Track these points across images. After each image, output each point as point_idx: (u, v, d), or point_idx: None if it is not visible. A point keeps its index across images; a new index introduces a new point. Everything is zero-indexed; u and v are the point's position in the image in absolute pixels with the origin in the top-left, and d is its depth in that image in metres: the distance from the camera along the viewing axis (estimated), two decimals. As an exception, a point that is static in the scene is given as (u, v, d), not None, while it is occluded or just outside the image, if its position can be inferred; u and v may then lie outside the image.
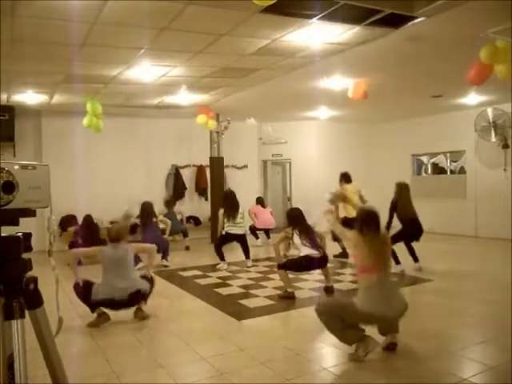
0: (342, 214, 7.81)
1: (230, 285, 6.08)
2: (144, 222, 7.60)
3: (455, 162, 11.47)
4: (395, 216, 6.64)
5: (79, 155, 9.30)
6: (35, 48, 5.33)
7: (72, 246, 7.50)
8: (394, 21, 4.62)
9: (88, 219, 8.05)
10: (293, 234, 5.48)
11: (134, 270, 4.73)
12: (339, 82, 7.34)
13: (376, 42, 5.27)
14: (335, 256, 7.76)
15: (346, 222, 7.78)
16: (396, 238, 6.24)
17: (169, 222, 8.28)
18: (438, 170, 11.99)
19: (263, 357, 3.47)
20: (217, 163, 10.58)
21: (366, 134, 12.20)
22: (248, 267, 7.20)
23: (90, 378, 3.17)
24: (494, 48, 4.70)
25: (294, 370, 3.24)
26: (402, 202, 6.67)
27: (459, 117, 10.32)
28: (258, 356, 3.49)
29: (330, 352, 3.70)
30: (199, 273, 6.91)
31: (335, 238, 7.83)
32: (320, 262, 5.41)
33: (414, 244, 6.59)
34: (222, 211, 7.47)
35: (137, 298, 4.54)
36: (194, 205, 11.05)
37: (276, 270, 5.57)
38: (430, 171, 12.12)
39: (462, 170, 11.09)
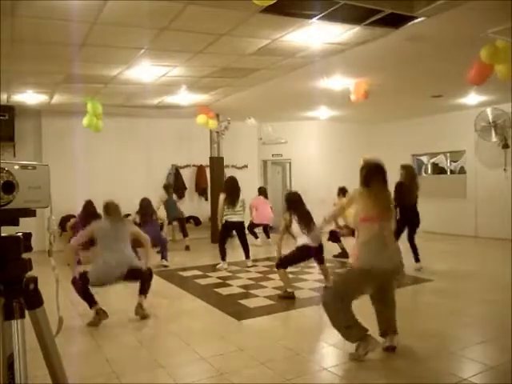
0: (341, 223, 7.84)
1: (230, 285, 6.08)
2: (143, 220, 7.56)
3: (455, 162, 11.48)
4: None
5: (79, 155, 9.30)
6: (35, 48, 5.33)
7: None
8: (394, 21, 4.62)
9: (88, 205, 7.86)
10: (291, 221, 5.38)
11: (129, 248, 4.71)
12: (339, 82, 7.34)
13: (376, 42, 5.27)
14: (335, 256, 7.76)
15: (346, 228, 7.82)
16: (398, 231, 6.22)
17: (164, 217, 8.27)
18: (438, 170, 12.00)
19: (263, 357, 3.47)
20: (217, 163, 10.58)
21: (365, 134, 12.20)
22: (248, 267, 7.20)
23: (90, 378, 3.17)
24: (494, 48, 4.70)
25: (294, 370, 3.24)
26: (406, 185, 6.49)
27: (459, 117, 10.32)
28: (258, 356, 3.49)
29: (330, 352, 3.70)
30: (199, 273, 6.91)
31: (331, 239, 7.85)
32: (316, 252, 5.35)
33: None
34: (223, 197, 7.28)
35: (135, 274, 4.56)
36: (193, 205, 11.04)
37: (276, 270, 5.55)
38: (430, 171, 12.12)
39: (462, 170, 11.09)
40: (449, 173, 11.55)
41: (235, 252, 7.78)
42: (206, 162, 10.90)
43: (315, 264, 5.83)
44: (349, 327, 3.36)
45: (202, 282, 6.33)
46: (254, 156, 12.07)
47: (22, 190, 1.23)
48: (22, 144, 9.18)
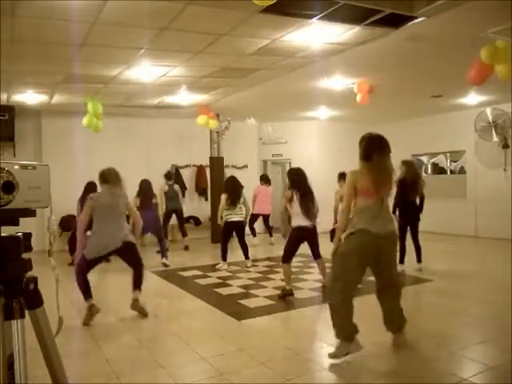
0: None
1: (230, 285, 6.08)
2: (143, 203, 7.42)
3: (455, 162, 11.48)
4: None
5: (79, 155, 9.29)
6: (35, 48, 5.33)
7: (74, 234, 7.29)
8: (394, 21, 4.62)
9: (91, 186, 7.60)
10: (292, 199, 5.27)
11: (125, 221, 4.73)
12: (339, 82, 7.34)
13: (376, 41, 5.27)
14: (335, 256, 7.75)
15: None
16: (401, 230, 6.21)
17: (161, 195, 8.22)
18: (438, 170, 12.00)
19: (263, 357, 3.47)
20: (217, 163, 10.59)
21: (366, 134, 12.18)
22: (248, 267, 7.20)
23: (90, 378, 3.17)
24: (494, 48, 4.70)
25: (294, 370, 3.24)
26: (408, 182, 6.38)
27: (459, 117, 10.32)
28: (258, 356, 3.49)
29: (330, 352, 3.70)
30: (199, 273, 6.91)
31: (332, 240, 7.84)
32: (310, 233, 5.31)
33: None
34: (224, 196, 7.25)
35: (129, 250, 4.59)
36: (193, 205, 11.04)
37: (280, 264, 5.46)
38: (430, 171, 12.12)
39: (462, 170, 11.09)
40: (449, 173, 11.55)
41: (235, 252, 7.78)
42: (206, 161, 10.90)
43: (315, 264, 5.82)
44: (343, 325, 3.36)
45: (202, 281, 6.33)
46: (254, 156, 12.07)
47: (22, 190, 1.23)
48: (22, 144, 9.18)
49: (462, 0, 4.07)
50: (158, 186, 9.10)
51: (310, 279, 6.16)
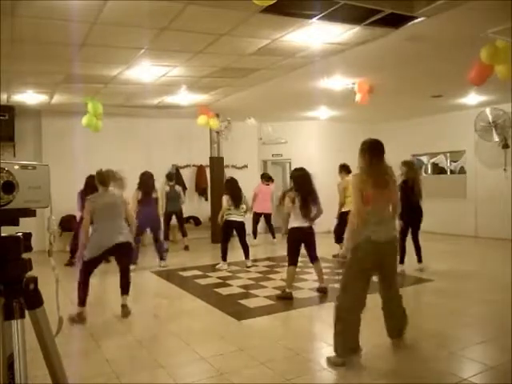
0: (347, 208, 7.81)
1: (230, 285, 6.08)
2: (144, 197, 7.29)
3: (455, 162, 11.48)
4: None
5: (79, 155, 9.28)
6: (35, 48, 5.33)
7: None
8: (394, 21, 4.62)
9: (92, 180, 7.71)
10: (294, 201, 5.21)
11: (123, 220, 4.78)
12: (339, 82, 7.34)
13: (376, 41, 5.27)
14: (334, 256, 7.76)
15: (346, 214, 7.79)
16: (402, 231, 6.20)
17: (162, 195, 8.13)
18: (438, 170, 11.99)
19: (263, 357, 3.47)
20: (217, 163, 10.59)
21: (366, 134, 12.02)
22: (248, 267, 7.20)
23: (90, 378, 3.17)
24: (494, 48, 4.70)
25: (294, 370, 3.24)
26: (410, 183, 6.33)
27: (459, 117, 10.32)
28: (258, 356, 3.49)
29: (329, 352, 3.69)
30: (199, 273, 6.91)
31: (337, 240, 7.84)
32: (308, 234, 5.30)
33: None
34: (226, 198, 7.23)
35: (125, 249, 4.67)
36: (193, 205, 11.04)
37: (281, 264, 5.46)
38: (430, 171, 12.12)
39: (462, 170, 11.09)
40: (449, 173, 11.55)
41: (235, 252, 7.78)
42: (206, 162, 10.90)
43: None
44: (348, 338, 3.34)
45: (202, 281, 6.33)
46: (254, 156, 12.06)
47: (22, 190, 1.23)
48: (22, 144, 9.17)
49: (461, 0, 4.07)
50: (158, 186, 9.10)
51: (310, 279, 6.16)
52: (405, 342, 3.63)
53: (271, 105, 9.63)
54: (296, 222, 5.26)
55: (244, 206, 7.33)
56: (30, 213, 1.28)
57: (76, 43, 5.15)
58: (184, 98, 8.29)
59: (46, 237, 1.45)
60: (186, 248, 9.13)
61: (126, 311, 4.62)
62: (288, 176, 12.41)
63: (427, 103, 9.39)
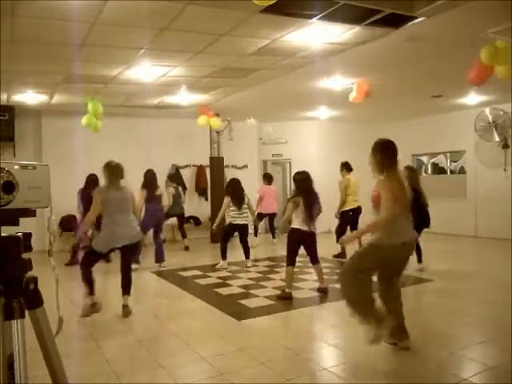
0: (348, 207, 7.82)
1: (230, 285, 6.08)
2: (149, 197, 7.22)
3: (455, 162, 11.48)
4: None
5: (79, 155, 9.27)
6: (35, 48, 5.33)
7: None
8: (394, 21, 4.62)
9: (92, 178, 7.59)
10: (298, 205, 5.22)
11: (131, 215, 4.79)
12: (339, 82, 7.34)
13: (376, 41, 5.27)
14: (334, 256, 7.76)
15: (347, 213, 7.80)
16: None
17: (169, 197, 8.15)
18: (438, 170, 11.99)
19: (263, 357, 3.47)
20: (217, 163, 10.58)
21: (365, 134, 12.13)
22: (248, 267, 7.20)
23: (90, 378, 3.17)
24: (494, 49, 4.70)
25: (294, 370, 3.24)
26: (417, 188, 6.29)
27: (459, 117, 10.32)
28: (258, 356, 3.49)
29: (330, 352, 3.70)
30: (199, 273, 6.91)
31: (338, 240, 7.84)
32: (308, 236, 5.30)
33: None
34: (227, 199, 7.24)
35: (133, 249, 4.73)
36: (194, 205, 11.04)
37: (281, 264, 5.46)
38: (430, 171, 12.12)
39: (462, 170, 11.09)
40: (449, 173, 11.55)
41: (235, 252, 7.78)
42: (206, 162, 10.90)
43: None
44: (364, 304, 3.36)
45: (202, 281, 6.33)
46: (254, 156, 12.06)
47: (22, 190, 1.23)
48: (21, 144, 9.17)
49: (461, 0, 4.07)
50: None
51: (310, 279, 6.16)
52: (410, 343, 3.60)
53: (271, 105, 9.62)
54: (297, 223, 5.28)
55: (246, 206, 7.32)
56: (30, 213, 1.28)
57: (76, 43, 5.14)
58: (184, 97, 8.29)
59: (46, 237, 1.45)
60: (187, 248, 9.13)
61: (126, 311, 4.62)
62: (288, 176, 12.45)
63: (427, 103, 9.39)
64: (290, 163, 12.27)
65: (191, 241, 9.40)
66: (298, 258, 5.42)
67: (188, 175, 11.15)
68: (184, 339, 3.96)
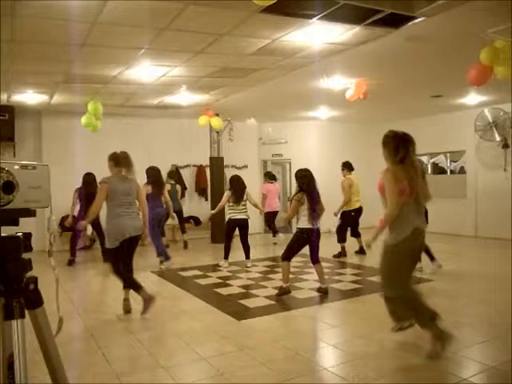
0: (350, 207, 7.81)
1: (230, 285, 6.08)
2: (154, 193, 7.22)
3: (455, 162, 11.47)
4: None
5: (79, 155, 9.28)
6: (35, 48, 5.33)
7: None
8: (394, 21, 4.62)
9: (89, 177, 7.71)
10: (303, 203, 5.24)
11: (136, 207, 4.80)
12: (339, 82, 7.34)
13: (376, 41, 5.27)
14: (334, 256, 7.77)
15: (349, 214, 7.79)
16: None
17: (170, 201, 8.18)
18: (438, 170, 11.99)
19: (263, 357, 3.47)
20: (217, 163, 10.59)
21: (365, 134, 12.18)
22: (248, 267, 7.20)
23: (90, 378, 3.18)
24: (493, 50, 4.70)
25: (294, 370, 3.24)
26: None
27: (459, 117, 10.32)
28: (257, 356, 3.49)
29: (329, 352, 3.70)
30: (199, 273, 6.91)
31: (339, 240, 7.84)
32: (314, 235, 5.31)
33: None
34: (228, 193, 7.31)
35: (136, 243, 4.71)
36: (194, 205, 11.05)
37: (281, 262, 5.44)
38: (430, 171, 12.11)
39: (462, 170, 11.09)
40: (449, 173, 11.54)
41: (235, 252, 7.78)
42: (206, 161, 10.90)
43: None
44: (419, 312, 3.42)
45: (202, 282, 6.33)
46: (254, 156, 12.07)
47: (22, 190, 1.23)
48: (21, 144, 9.18)
49: (461, 0, 4.07)
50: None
51: (310, 279, 6.15)
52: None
53: (271, 105, 9.62)
54: (305, 222, 5.28)
55: (246, 204, 7.33)
56: (30, 213, 1.28)
57: (76, 43, 5.15)
58: (184, 97, 8.29)
59: (46, 237, 1.45)
60: (185, 245, 9.13)
61: (127, 305, 4.58)
62: (288, 176, 12.46)
63: (427, 103, 9.39)
64: (289, 163, 12.27)
65: (191, 241, 9.40)
66: (298, 258, 5.42)
67: (188, 175, 11.15)
68: (184, 339, 3.96)
